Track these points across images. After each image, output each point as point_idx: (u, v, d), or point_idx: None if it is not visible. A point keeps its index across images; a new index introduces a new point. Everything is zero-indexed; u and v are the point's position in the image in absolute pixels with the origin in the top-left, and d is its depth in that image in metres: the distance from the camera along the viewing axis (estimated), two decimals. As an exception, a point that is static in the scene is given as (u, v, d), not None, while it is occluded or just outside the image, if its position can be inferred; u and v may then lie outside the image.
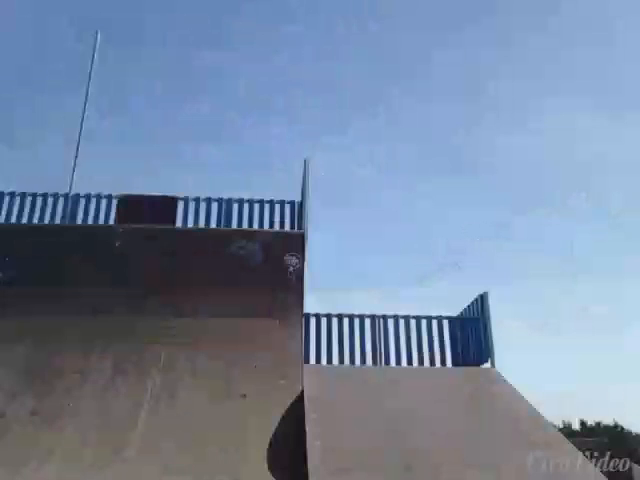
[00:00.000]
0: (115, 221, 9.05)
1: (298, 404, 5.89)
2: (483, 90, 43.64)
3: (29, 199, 9.27)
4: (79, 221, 9.17)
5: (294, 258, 7.81)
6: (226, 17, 42.62)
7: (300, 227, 8.78)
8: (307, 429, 5.31)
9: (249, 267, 7.61)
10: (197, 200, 9.28)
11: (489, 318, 8.49)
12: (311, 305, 8.18)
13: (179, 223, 9.04)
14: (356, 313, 8.72)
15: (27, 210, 9.21)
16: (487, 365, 8.13)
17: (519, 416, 6.15)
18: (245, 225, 9.14)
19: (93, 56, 10.40)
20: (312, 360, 8.10)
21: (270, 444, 5.30)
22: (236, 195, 9.39)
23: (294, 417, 5.60)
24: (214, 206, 9.24)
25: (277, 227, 9.19)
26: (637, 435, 24.14)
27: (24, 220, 9.10)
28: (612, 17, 39.06)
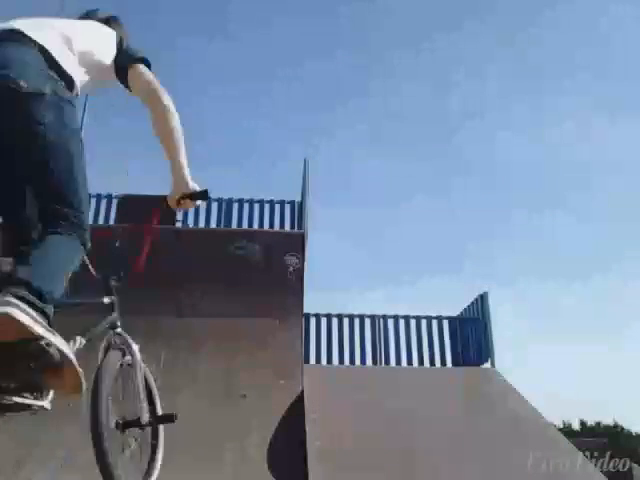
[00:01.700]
0: (115, 221, 9.05)
1: (298, 404, 5.89)
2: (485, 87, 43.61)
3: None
4: (79, 221, 9.18)
5: (294, 258, 7.81)
6: (226, 14, 42.64)
7: (300, 227, 8.78)
8: (307, 429, 5.30)
9: (249, 267, 7.61)
10: (197, 200, 9.29)
11: (489, 318, 8.49)
12: (311, 305, 8.19)
13: (179, 223, 9.05)
14: (356, 313, 8.72)
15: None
16: (487, 365, 8.13)
17: (519, 416, 6.14)
18: (245, 225, 9.15)
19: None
20: (312, 360, 8.10)
21: (270, 444, 5.30)
22: (236, 195, 9.41)
23: (294, 417, 5.59)
24: (214, 206, 9.24)
25: (277, 227, 9.20)
26: (637, 435, 24.15)
27: (24, 220, 9.11)
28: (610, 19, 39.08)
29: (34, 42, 1.73)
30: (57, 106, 1.66)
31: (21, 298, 1.43)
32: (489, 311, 8.56)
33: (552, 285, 51.77)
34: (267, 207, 9.36)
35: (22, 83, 1.58)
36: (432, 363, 8.54)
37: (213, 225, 9.09)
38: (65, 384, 1.58)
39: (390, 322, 8.68)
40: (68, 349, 1.56)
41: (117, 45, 2.04)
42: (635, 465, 11.84)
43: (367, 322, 8.62)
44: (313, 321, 8.45)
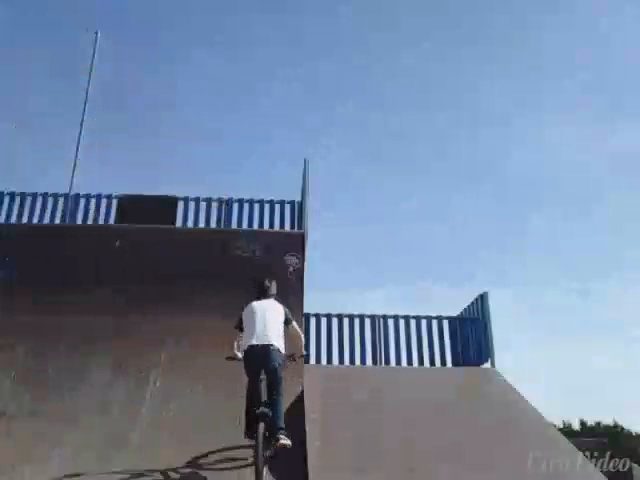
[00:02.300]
0: (115, 221, 9.05)
1: (298, 404, 5.89)
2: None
3: (29, 199, 9.26)
4: (79, 221, 9.16)
5: (294, 258, 7.80)
6: (227, 18, 42.65)
7: (300, 227, 8.77)
8: (307, 429, 5.30)
9: (249, 267, 7.61)
10: (197, 200, 9.27)
11: (489, 318, 8.46)
12: (311, 305, 8.18)
13: (179, 223, 9.04)
14: (356, 313, 8.70)
15: (27, 210, 9.21)
16: (487, 365, 8.12)
17: (519, 416, 6.14)
18: (245, 225, 9.14)
19: (93, 56, 10.39)
20: (312, 360, 8.09)
21: (270, 444, 5.28)
22: (236, 195, 9.40)
23: (294, 417, 5.59)
24: (214, 206, 9.23)
25: (277, 227, 9.18)
26: (637, 435, 24.11)
27: (24, 220, 9.10)
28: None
29: (274, 345, 4.78)
30: (283, 359, 4.86)
31: (283, 433, 4.54)
32: (489, 311, 8.54)
33: (553, 285, 51.78)
34: (267, 207, 9.34)
35: (276, 364, 4.77)
36: (432, 363, 8.52)
37: (213, 225, 9.07)
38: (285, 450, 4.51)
39: (390, 322, 8.66)
40: (290, 443, 4.53)
41: (285, 314, 5.11)
42: (635, 465, 11.81)
43: (367, 322, 8.59)
44: (313, 321, 8.43)
